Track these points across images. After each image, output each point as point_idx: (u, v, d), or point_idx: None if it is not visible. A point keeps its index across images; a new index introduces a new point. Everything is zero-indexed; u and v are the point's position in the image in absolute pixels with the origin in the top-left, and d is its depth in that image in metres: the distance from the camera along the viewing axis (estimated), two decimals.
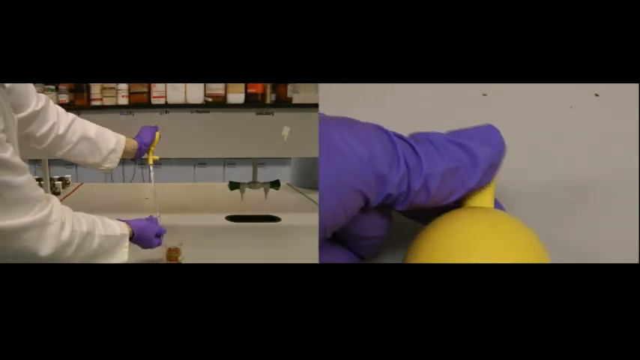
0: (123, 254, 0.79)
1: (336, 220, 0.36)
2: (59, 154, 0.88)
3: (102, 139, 0.91)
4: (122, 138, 0.95)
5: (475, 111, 0.73)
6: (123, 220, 0.84)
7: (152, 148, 1.00)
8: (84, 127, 0.90)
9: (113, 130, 0.97)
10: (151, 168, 0.99)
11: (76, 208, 0.75)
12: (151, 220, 0.92)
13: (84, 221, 0.72)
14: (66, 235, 0.67)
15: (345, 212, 0.36)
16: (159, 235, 0.91)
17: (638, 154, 0.70)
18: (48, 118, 0.83)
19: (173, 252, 1.04)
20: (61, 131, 0.85)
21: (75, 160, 0.91)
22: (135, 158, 0.97)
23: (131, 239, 0.83)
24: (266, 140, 1.31)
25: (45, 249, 0.63)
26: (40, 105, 0.81)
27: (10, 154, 0.59)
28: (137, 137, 0.98)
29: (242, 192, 1.33)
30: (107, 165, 0.93)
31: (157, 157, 1.01)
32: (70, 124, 0.87)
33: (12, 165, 0.59)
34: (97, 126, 0.93)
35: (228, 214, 1.37)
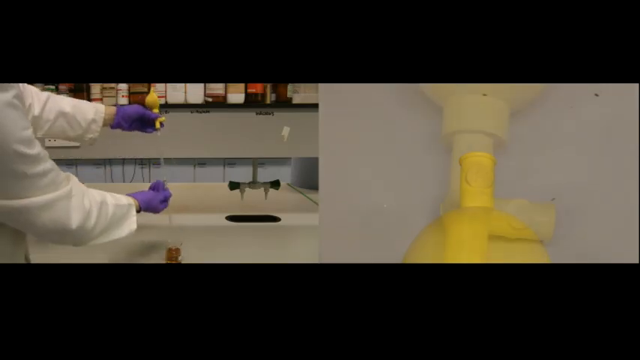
0: (132, 223, 0.85)
1: None
2: (40, 134, 0.88)
3: (79, 111, 0.92)
4: (101, 106, 0.95)
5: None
6: (130, 195, 0.88)
7: (155, 111, 0.99)
8: (59, 103, 0.91)
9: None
10: (159, 132, 0.98)
11: None
12: (157, 186, 0.97)
13: (96, 193, 0.80)
14: (87, 203, 0.76)
15: None
16: (165, 200, 0.96)
17: (638, 153, 0.70)
18: (25, 100, 0.83)
19: (173, 252, 1.04)
20: (36, 112, 0.87)
21: (57, 137, 0.92)
22: (113, 126, 0.97)
23: (139, 211, 0.88)
24: (266, 140, 1.31)
25: (74, 218, 0.73)
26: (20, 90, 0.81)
27: (39, 148, 0.68)
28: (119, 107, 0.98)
29: (242, 192, 1.33)
30: (90, 135, 0.94)
31: (163, 119, 1.00)
32: (45, 103, 0.88)
33: (42, 158, 0.68)
34: (74, 99, 0.94)
35: (228, 214, 1.37)
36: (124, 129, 0.99)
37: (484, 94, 0.64)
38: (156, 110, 1.00)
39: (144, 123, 1.00)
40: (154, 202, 0.93)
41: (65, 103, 0.91)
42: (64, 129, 0.91)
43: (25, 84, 0.84)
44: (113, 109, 0.97)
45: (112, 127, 0.98)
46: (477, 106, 0.34)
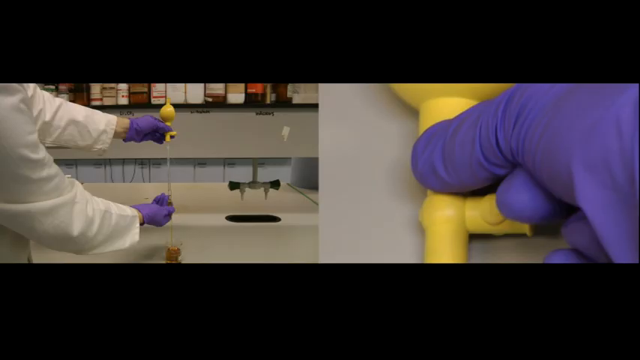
0: (135, 235, 0.86)
1: None
2: (49, 141, 0.88)
3: (91, 121, 0.91)
4: (113, 118, 0.95)
5: None
6: (134, 207, 0.89)
7: (168, 124, 1.00)
8: (72, 111, 0.90)
9: None
10: (168, 146, 1.00)
11: None
12: (162, 200, 0.98)
13: (100, 202, 0.80)
14: (90, 211, 0.76)
15: None
16: (168, 214, 0.97)
17: (638, 153, 0.70)
18: (36, 106, 0.83)
19: (173, 252, 1.04)
20: (47, 118, 0.86)
21: (66, 145, 0.91)
22: (126, 139, 0.97)
23: (142, 224, 0.89)
24: (266, 140, 1.31)
25: (76, 224, 0.73)
26: (30, 93, 0.81)
27: (44, 152, 0.67)
28: (132, 119, 0.98)
29: (242, 192, 1.33)
30: (99, 146, 0.93)
31: (174, 133, 1.01)
32: (57, 110, 0.87)
33: (47, 163, 0.68)
34: (87, 109, 0.93)
35: (228, 214, 1.37)
36: (136, 141, 0.99)
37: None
38: (169, 123, 1.00)
39: (156, 135, 1.00)
40: (157, 217, 0.94)
41: (78, 111, 0.91)
42: (74, 137, 0.90)
43: (38, 89, 0.84)
44: (127, 122, 0.96)
45: (125, 140, 0.97)
46: (453, 108, 0.34)
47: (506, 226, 0.35)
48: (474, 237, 0.36)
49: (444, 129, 0.32)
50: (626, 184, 0.22)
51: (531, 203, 0.28)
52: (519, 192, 0.28)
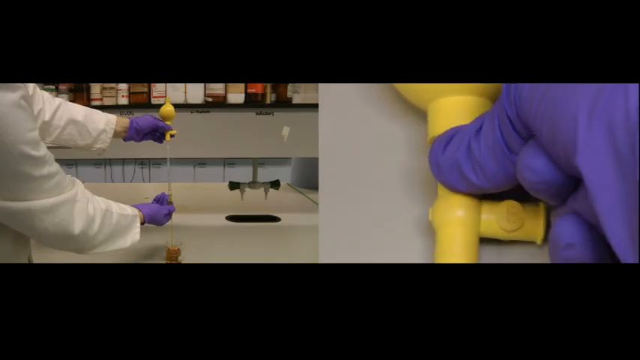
0: (136, 234, 0.86)
1: None
2: (49, 140, 0.87)
3: (90, 121, 0.91)
4: (112, 117, 0.95)
5: None
6: (135, 206, 0.89)
7: (168, 123, 1.00)
8: (71, 110, 0.90)
9: None
10: (168, 146, 1.00)
11: None
12: (162, 199, 0.98)
13: (101, 200, 0.80)
14: (91, 209, 0.76)
15: None
16: (169, 214, 0.97)
17: (638, 153, 0.70)
18: (35, 105, 0.83)
19: (173, 252, 1.04)
20: (47, 117, 0.86)
21: (66, 144, 0.91)
22: (126, 139, 0.97)
23: (143, 224, 0.89)
24: (266, 140, 1.31)
25: (77, 223, 0.73)
26: (30, 93, 0.81)
27: (45, 150, 0.68)
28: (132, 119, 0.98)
29: (242, 192, 1.33)
30: (99, 145, 0.93)
31: (174, 132, 1.01)
32: (56, 110, 0.87)
33: (47, 160, 0.68)
34: (87, 108, 0.93)
35: (228, 214, 1.37)
36: (136, 141, 0.99)
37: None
38: (169, 122, 1.01)
39: (155, 135, 1.01)
40: (158, 216, 0.94)
41: (77, 111, 0.91)
42: (73, 137, 0.90)
43: (37, 89, 0.84)
44: (126, 122, 0.96)
45: (125, 139, 0.97)
46: (463, 107, 0.34)
47: (520, 234, 0.34)
48: (480, 241, 0.36)
49: (466, 132, 0.32)
50: (626, 150, 0.22)
51: (549, 167, 0.28)
52: (538, 156, 0.28)
